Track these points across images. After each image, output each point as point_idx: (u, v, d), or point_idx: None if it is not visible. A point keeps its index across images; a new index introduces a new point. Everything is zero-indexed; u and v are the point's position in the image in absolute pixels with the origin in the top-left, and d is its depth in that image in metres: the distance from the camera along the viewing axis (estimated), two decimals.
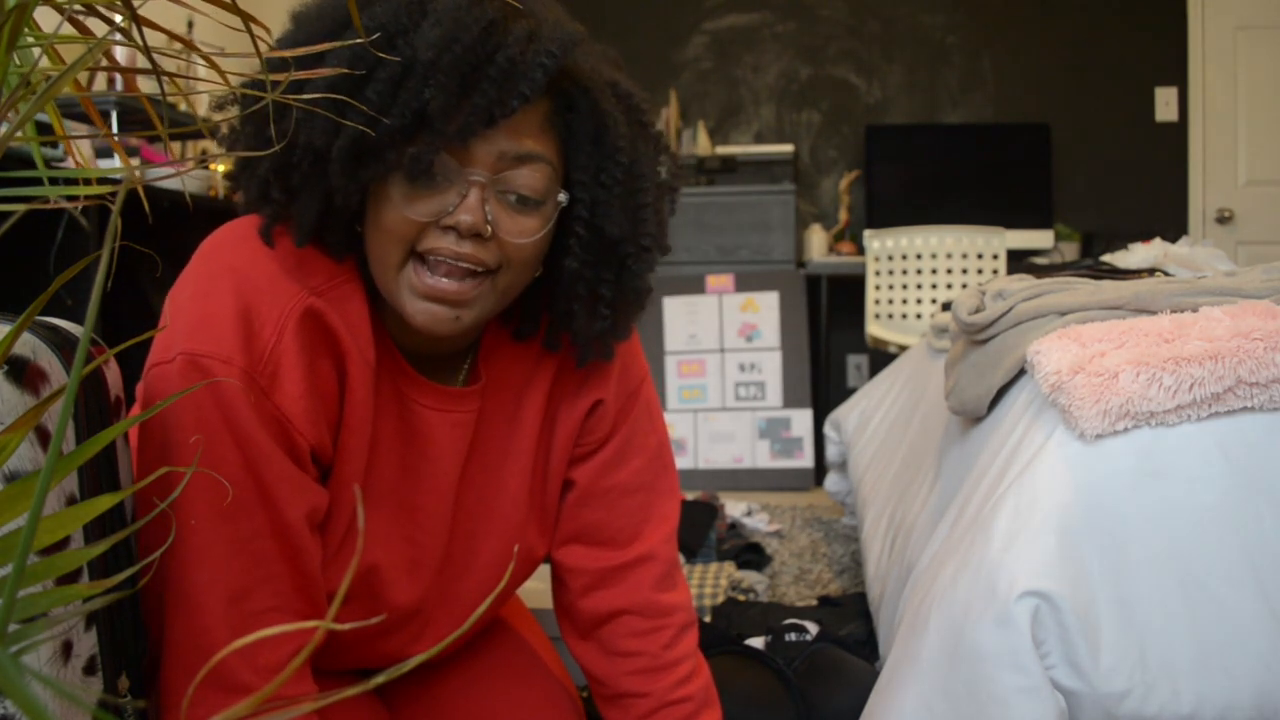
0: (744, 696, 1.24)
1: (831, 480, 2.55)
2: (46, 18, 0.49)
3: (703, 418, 3.46)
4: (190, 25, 2.56)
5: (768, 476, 3.39)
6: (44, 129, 1.65)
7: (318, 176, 0.72)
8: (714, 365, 3.50)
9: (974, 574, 0.83)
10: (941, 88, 3.96)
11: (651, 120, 0.82)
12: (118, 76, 2.17)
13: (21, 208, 0.44)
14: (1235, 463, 0.82)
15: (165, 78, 0.49)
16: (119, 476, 0.69)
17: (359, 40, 0.66)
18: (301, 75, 0.64)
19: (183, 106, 2.21)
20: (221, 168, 2.24)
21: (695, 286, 3.54)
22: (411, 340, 0.83)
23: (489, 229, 0.73)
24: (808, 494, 3.29)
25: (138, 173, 0.72)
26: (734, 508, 2.74)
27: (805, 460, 3.40)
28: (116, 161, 1.97)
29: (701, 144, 3.82)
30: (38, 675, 0.27)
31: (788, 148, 3.85)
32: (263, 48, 0.50)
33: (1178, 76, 3.81)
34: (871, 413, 2.16)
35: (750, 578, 2.03)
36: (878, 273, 3.13)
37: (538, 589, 1.18)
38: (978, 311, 1.15)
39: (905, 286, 3.10)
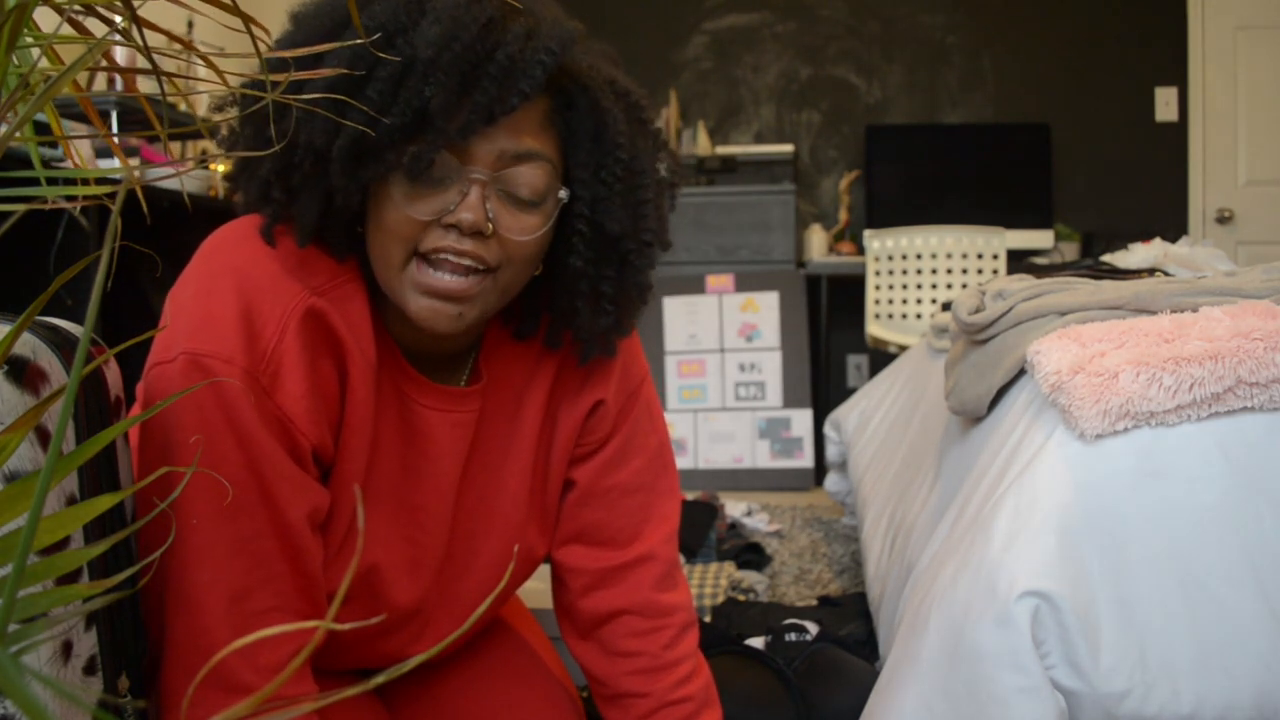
0: (744, 696, 1.24)
1: (831, 480, 2.55)
2: (46, 18, 0.49)
3: (703, 418, 3.46)
4: (190, 25, 2.56)
5: (768, 476, 3.39)
6: (43, 129, 1.65)
7: (318, 177, 0.72)
8: (714, 365, 3.50)
9: (974, 574, 0.83)
10: (941, 88, 3.96)
11: (650, 117, 0.82)
12: (117, 77, 2.17)
13: (21, 208, 0.44)
14: (1235, 463, 0.82)
15: (165, 78, 0.49)
16: (119, 476, 0.69)
17: (359, 40, 0.66)
18: (301, 75, 0.64)
19: (182, 107, 2.21)
20: (221, 168, 2.24)
21: (695, 286, 3.54)
22: (413, 340, 0.83)
23: (490, 227, 0.73)
24: (808, 494, 3.29)
25: (137, 173, 0.72)
26: (734, 508, 2.74)
27: (805, 460, 3.40)
28: (116, 162, 1.97)
29: (701, 144, 3.82)
30: (38, 675, 0.27)
31: (788, 148, 3.85)
32: (262, 48, 0.50)
33: (1178, 76, 3.81)
34: (871, 413, 2.16)
35: (750, 578, 2.03)
36: (878, 273, 3.13)
37: (538, 589, 1.18)
38: (978, 311, 1.15)
39: (905, 286, 3.10)
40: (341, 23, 0.71)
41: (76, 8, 0.47)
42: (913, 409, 1.78)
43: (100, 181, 0.66)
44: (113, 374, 0.69)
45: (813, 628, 1.42)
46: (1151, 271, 1.35)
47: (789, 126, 4.03)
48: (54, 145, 1.60)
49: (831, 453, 2.52)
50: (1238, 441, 0.83)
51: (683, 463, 3.38)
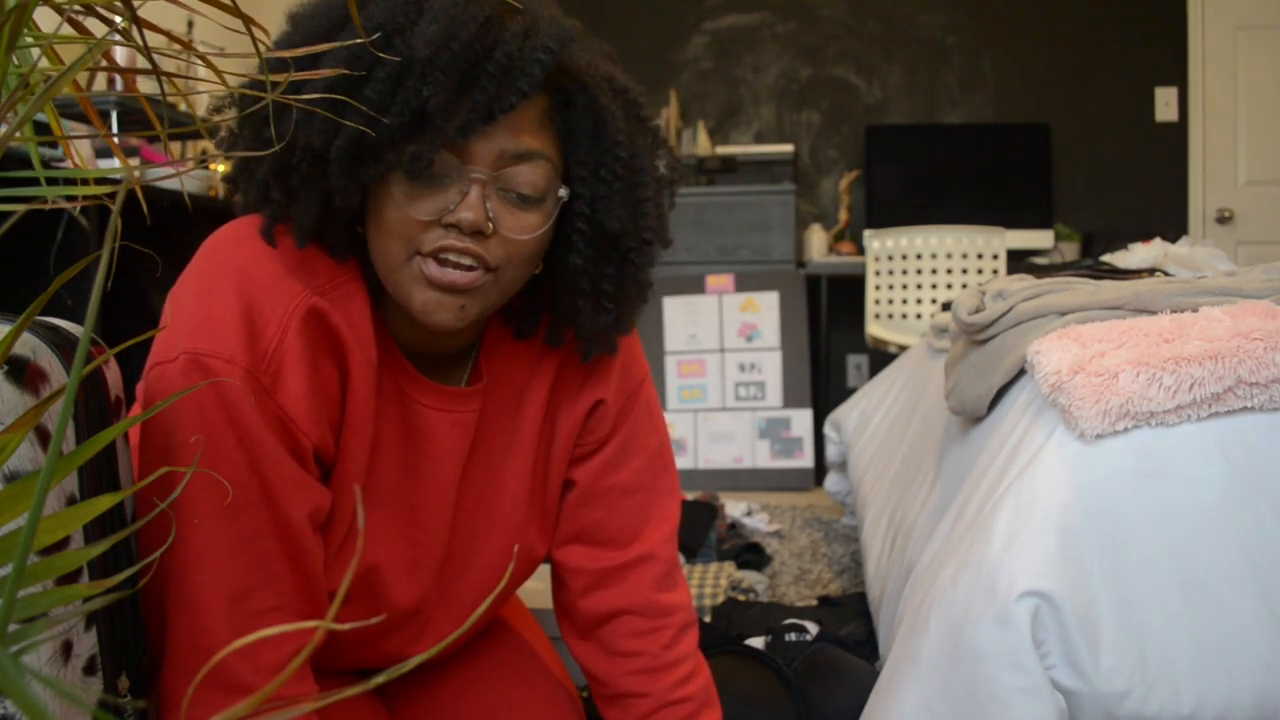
0: (744, 696, 1.24)
1: (831, 480, 2.55)
2: (46, 18, 0.49)
3: (703, 418, 3.46)
4: (190, 25, 2.56)
5: (768, 476, 3.39)
6: (43, 129, 1.65)
7: (317, 177, 0.72)
8: (714, 365, 3.50)
9: (974, 574, 0.83)
10: (941, 88, 3.96)
11: (649, 114, 0.82)
12: (117, 77, 2.17)
13: (21, 208, 0.44)
14: (1235, 463, 0.82)
15: (165, 78, 0.49)
16: (119, 476, 0.69)
17: (358, 40, 0.66)
18: (300, 75, 0.64)
19: (182, 107, 2.21)
20: (221, 168, 2.24)
21: (695, 286, 3.54)
22: (414, 340, 0.83)
23: (490, 226, 0.73)
24: (808, 494, 3.29)
25: (137, 173, 0.72)
26: (734, 508, 2.74)
27: (805, 460, 3.40)
28: (116, 161, 1.97)
29: (701, 144, 3.82)
30: (38, 675, 0.27)
31: (788, 148, 3.85)
32: (261, 49, 0.50)
33: (1178, 76, 3.81)
34: (871, 413, 2.16)
35: (750, 578, 2.03)
36: (878, 273, 3.13)
37: (538, 589, 1.18)
38: (978, 311, 1.15)
39: (905, 286, 3.10)
40: (339, 24, 0.71)
41: (76, 8, 0.47)
42: (913, 409, 1.78)
43: (100, 181, 0.66)
44: (113, 374, 0.69)
45: (813, 628, 1.42)
46: (1151, 271, 1.35)
47: (789, 126, 4.03)
48: (54, 145, 1.60)
49: (831, 453, 2.52)
50: (1238, 441, 0.83)
51: (683, 463, 3.38)
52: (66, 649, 0.62)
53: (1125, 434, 0.84)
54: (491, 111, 0.70)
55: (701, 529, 2.22)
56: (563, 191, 0.77)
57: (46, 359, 0.62)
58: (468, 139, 0.71)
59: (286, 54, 0.61)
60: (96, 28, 0.51)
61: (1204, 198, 3.80)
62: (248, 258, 0.74)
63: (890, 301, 3.12)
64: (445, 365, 0.87)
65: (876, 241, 3.13)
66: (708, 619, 1.68)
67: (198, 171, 2.32)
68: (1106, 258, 1.63)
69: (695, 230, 3.57)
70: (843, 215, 3.87)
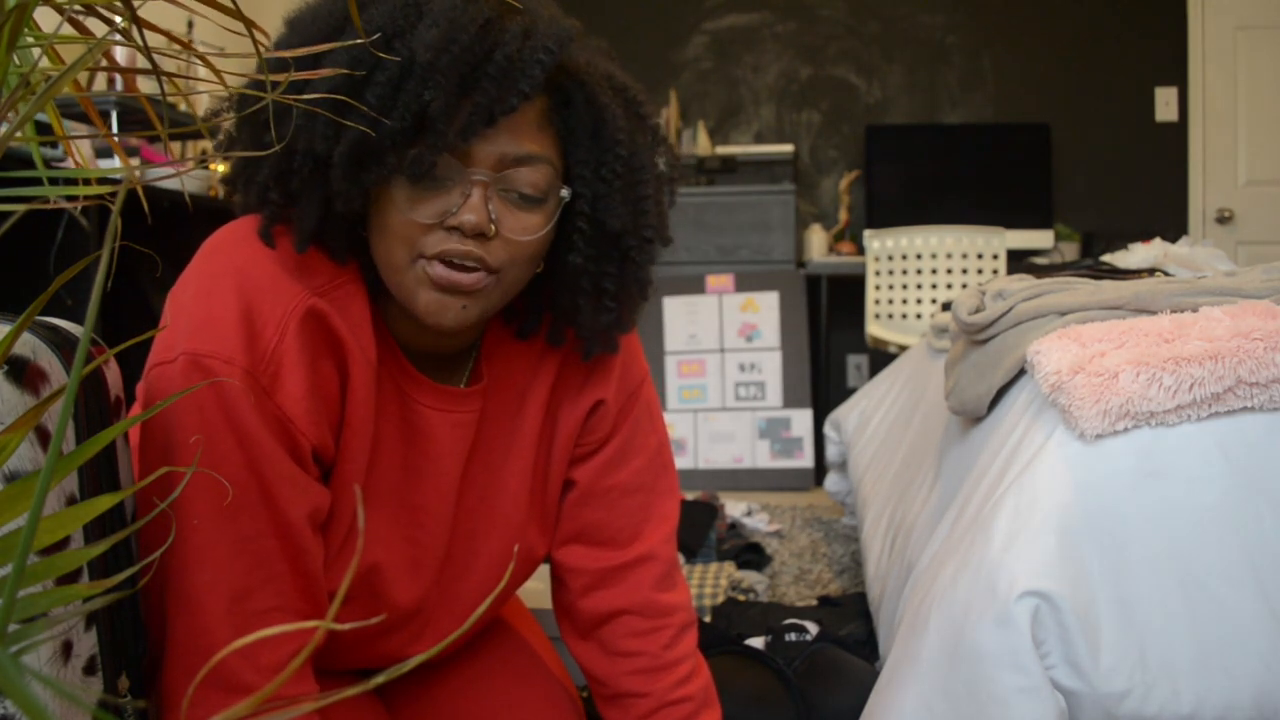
0: (744, 696, 1.24)
1: (831, 480, 2.55)
2: (46, 18, 0.49)
3: (703, 418, 3.46)
4: (190, 25, 2.56)
5: (768, 476, 3.39)
6: (44, 129, 1.65)
7: (318, 182, 0.72)
8: (714, 365, 3.50)
9: (974, 574, 0.83)
10: (941, 88, 3.96)
11: (648, 112, 0.82)
12: (118, 77, 2.17)
13: (21, 208, 0.44)
14: (1235, 463, 0.82)
15: (165, 78, 0.49)
16: (119, 476, 0.69)
17: (358, 41, 0.66)
18: (301, 75, 0.64)
19: (183, 107, 2.21)
20: (221, 168, 2.24)
21: (695, 286, 3.54)
22: (414, 340, 0.83)
23: (493, 228, 0.73)
24: (808, 494, 3.29)
25: (137, 173, 0.72)
26: (734, 508, 2.74)
27: (805, 460, 3.40)
28: (116, 161, 1.97)
29: (701, 144, 3.82)
30: (38, 675, 0.27)
31: (788, 148, 3.85)
32: (261, 51, 0.50)
33: (1178, 76, 3.81)
34: (871, 413, 2.16)
35: (750, 578, 2.03)
36: (878, 273, 3.13)
37: (538, 589, 1.18)
38: (978, 311, 1.15)
39: (905, 286, 3.10)
40: (338, 28, 0.71)
41: (77, 8, 0.47)
42: (913, 409, 1.78)
43: (101, 181, 0.66)
44: (113, 374, 0.69)
45: (813, 628, 1.42)
46: (1151, 271, 1.35)
47: (789, 126, 4.03)
48: (54, 145, 1.60)
49: (831, 453, 2.52)
50: (1238, 441, 0.83)
51: (683, 463, 3.38)
52: (66, 649, 0.62)
53: (1125, 434, 0.84)
54: (493, 114, 0.70)
55: (701, 529, 2.22)
56: (564, 191, 0.77)
57: (46, 359, 0.62)
58: (469, 142, 0.71)
59: (287, 54, 0.61)
60: (97, 28, 0.51)
61: (1204, 198, 3.80)
62: (247, 259, 0.74)
63: (890, 301, 3.12)
64: (446, 366, 0.87)
65: (876, 241, 3.13)
66: (708, 619, 1.68)
67: (198, 171, 2.32)
68: (1106, 258, 1.63)
69: (695, 230, 3.57)
70: (843, 215, 3.87)
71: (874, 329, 3.12)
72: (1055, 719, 0.78)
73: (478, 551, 0.91)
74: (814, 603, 1.89)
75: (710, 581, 1.86)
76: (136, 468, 0.74)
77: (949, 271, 3.03)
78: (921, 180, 3.79)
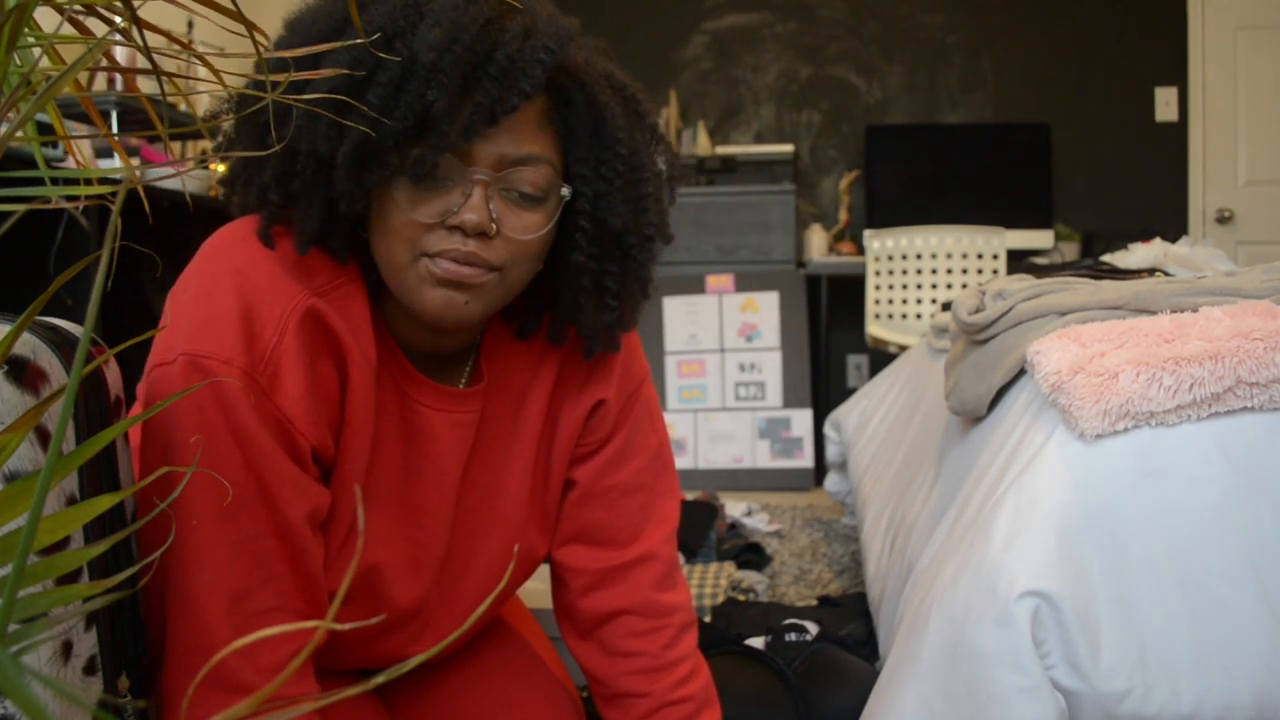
0: (744, 696, 1.24)
1: (831, 480, 2.55)
2: (46, 18, 0.49)
3: (703, 418, 3.46)
4: (190, 26, 2.56)
5: (768, 476, 3.39)
6: (44, 129, 1.65)
7: (320, 183, 0.72)
8: (714, 365, 3.50)
9: (974, 574, 0.83)
10: (941, 88, 3.96)
11: (648, 110, 0.82)
12: (118, 76, 2.17)
13: (21, 208, 0.44)
14: (1235, 463, 0.82)
15: (165, 78, 0.49)
16: (119, 476, 0.69)
17: (359, 40, 0.66)
18: (301, 76, 0.64)
19: (183, 106, 2.21)
20: (221, 168, 2.24)
21: (695, 286, 3.54)
22: (414, 340, 0.83)
23: (494, 227, 0.73)
24: (808, 494, 3.29)
25: (138, 173, 0.72)
26: (734, 508, 2.74)
27: (805, 460, 3.40)
28: (116, 161, 1.97)
29: (701, 144, 3.82)
30: (38, 675, 0.27)
31: (788, 148, 3.85)
32: (261, 51, 0.50)
33: (1178, 76, 3.81)
34: (871, 413, 2.16)
35: (750, 578, 2.03)
36: (878, 273, 3.13)
37: (538, 589, 1.18)
38: (978, 311, 1.15)
39: (905, 286, 3.10)
40: (338, 28, 0.71)
41: (77, 7, 0.47)
42: (913, 409, 1.78)
43: (101, 181, 0.66)
44: (113, 374, 0.69)
45: (813, 628, 1.42)
46: (1151, 271, 1.35)
47: (789, 126, 4.03)
48: (55, 145, 1.60)
49: (831, 453, 2.52)
50: (1238, 441, 0.83)
51: (683, 463, 3.38)
52: (66, 649, 0.62)
53: (1125, 434, 0.84)
54: (494, 114, 0.70)
55: (701, 529, 2.22)
56: (565, 190, 0.77)
57: (46, 359, 0.62)
58: (470, 142, 0.71)
59: (287, 54, 0.61)
60: (97, 28, 0.51)
61: (1204, 198, 3.80)
62: (247, 259, 0.74)
63: (890, 301, 3.12)
64: (446, 365, 0.87)
65: (876, 241, 3.13)
66: (708, 619, 1.68)
67: (198, 171, 2.32)
68: (1106, 258, 1.63)
69: (695, 230, 3.57)
70: (843, 215, 3.87)
71: (874, 329, 3.13)
72: (1055, 719, 0.78)
73: (478, 551, 0.91)
74: (814, 603, 1.89)
75: (710, 581, 1.86)
76: (136, 468, 0.74)
77: (949, 271, 3.03)
78: (921, 180, 3.79)
